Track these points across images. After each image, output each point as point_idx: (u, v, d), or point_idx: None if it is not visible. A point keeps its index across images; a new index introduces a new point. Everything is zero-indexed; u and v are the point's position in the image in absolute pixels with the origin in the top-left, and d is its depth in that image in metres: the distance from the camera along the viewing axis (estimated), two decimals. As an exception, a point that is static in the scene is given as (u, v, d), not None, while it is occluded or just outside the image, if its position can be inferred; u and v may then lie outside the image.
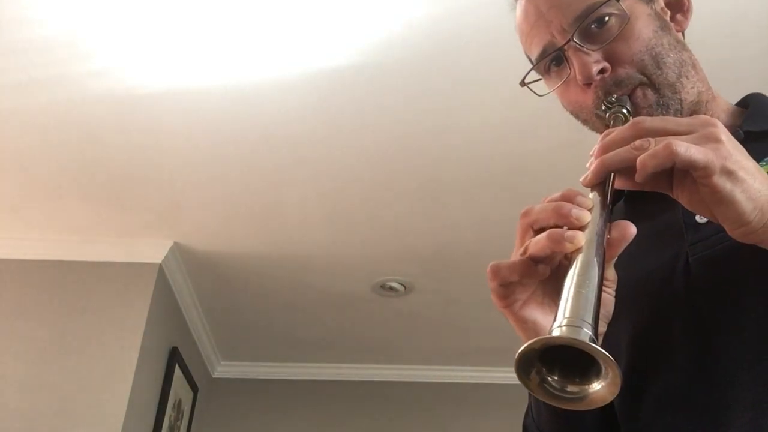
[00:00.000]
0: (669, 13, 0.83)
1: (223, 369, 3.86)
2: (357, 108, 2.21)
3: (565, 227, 0.60)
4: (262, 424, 3.70)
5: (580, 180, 0.64)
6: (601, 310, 0.64)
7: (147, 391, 2.80)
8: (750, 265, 0.66)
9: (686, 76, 0.79)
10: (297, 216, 2.71)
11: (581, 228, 0.60)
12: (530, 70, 0.84)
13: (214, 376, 3.83)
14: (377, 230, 2.77)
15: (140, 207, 2.66)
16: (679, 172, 0.60)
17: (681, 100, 0.78)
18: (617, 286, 0.76)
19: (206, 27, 1.94)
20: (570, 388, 0.55)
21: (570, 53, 0.78)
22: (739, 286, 0.67)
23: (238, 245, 2.89)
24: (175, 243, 2.87)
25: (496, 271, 0.63)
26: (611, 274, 0.65)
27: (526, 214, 0.64)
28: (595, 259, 0.57)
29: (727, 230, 0.59)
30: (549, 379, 0.55)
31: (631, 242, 0.80)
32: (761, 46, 1.98)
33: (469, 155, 2.38)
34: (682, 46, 0.82)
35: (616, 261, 0.79)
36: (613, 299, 0.66)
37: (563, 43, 0.78)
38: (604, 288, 0.63)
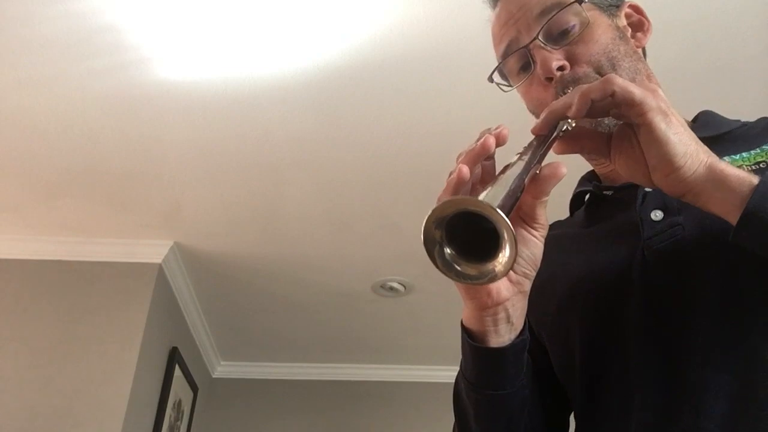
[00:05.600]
0: (630, 30, 0.90)
1: (223, 369, 3.86)
2: (357, 107, 2.21)
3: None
4: (262, 424, 3.71)
5: (531, 129, 0.69)
6: (527, 252, 0.67)
7: (147, 391, 2.80)
8: (703, 258, 0.70)
9: (641, 83, 0.84)
10: (297, 216, 2.71)
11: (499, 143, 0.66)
12: (498, 66, 0.90)
13: (214, 376, 3.83)
14: (377, 230, 2.77)
15: (140, 207, 2.66)
16: (617, 136, 0.67)
17: None
18: (569, 281, 0.81)
19: (206, 27, 1.94)
20: (465, 267, 0.58)
21: (534, 51, 0.84)
22: (692, 278, 0.70)
23: (238, 245, 2.89)
24: (175, 243, 2.87)
25: None
26: (542, 217, 0.68)
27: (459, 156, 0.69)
28: (518, 177, 0.60)
29: (658, 181, 0.64)
30: (446, 250, 0.58)
31: (589, 241, 0.85)
32: (761, 46, 1.98)
33: (469, 155, 2.37)
34: (639, 57, 0.88)
35: (572, 257, 0.83)
36: (540, 244, 0.68)
37: (529, 41, 0.84)
38: (531, 231, 0.67)
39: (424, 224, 0.57)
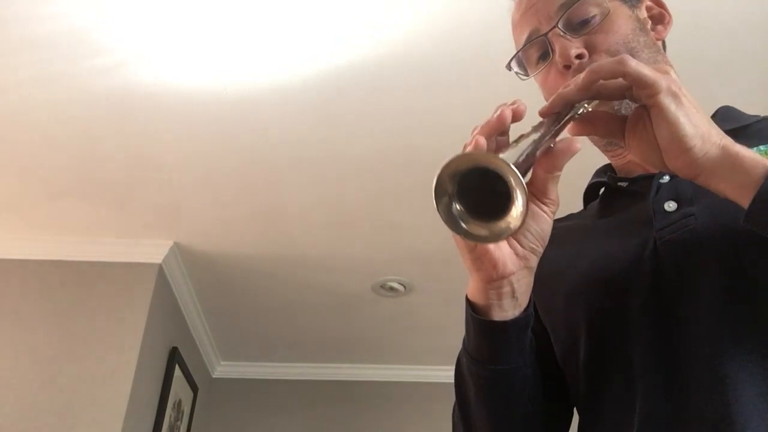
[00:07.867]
0: (650, 22, 0.90)
1: (223, 369, 3.86)
2: (356, 108, 2.21)
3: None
4: (262, 424, 3.70)
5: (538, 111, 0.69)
6: (535, 227, 0.67)
7: (147, 391, 2.80)
8: (714, 247, 0.69)
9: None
10: (297, 216, 2.71)
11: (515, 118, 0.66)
12: (516, 54, 0.90)
13: (214, 376, 3.83)
14: (377, 230, 2.77)
15: (140, 207, 2.66)
16: (631, 119, 0.67)
17: None
18: (579, 269, 0.80)
19: (206, 28, 1.94)
20: (474, 225, 0.58)
21: (553, 39, 0.85)
22: (703, 267, 0.69)
23: (238, 245, 2.89)
24: (175, 243, 2.87)
25: None
26: (553, 193, 0.67)
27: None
28: (532, 144, 0.60)
29: (670, 163, 0.63)
30: (455, 206, 0.58)
31: (601, 231, 0.84)
32: (761, 46, 1.98)
33: (469, 155, 2.37)
34: (658, 49, 0.88)
35: (584, 246, 0.83)
36: (549, 220, 0.68)
37: (548, 29, 0.85)
38: (541, 206, 0.67)
39: (437, 174, 0.56)
